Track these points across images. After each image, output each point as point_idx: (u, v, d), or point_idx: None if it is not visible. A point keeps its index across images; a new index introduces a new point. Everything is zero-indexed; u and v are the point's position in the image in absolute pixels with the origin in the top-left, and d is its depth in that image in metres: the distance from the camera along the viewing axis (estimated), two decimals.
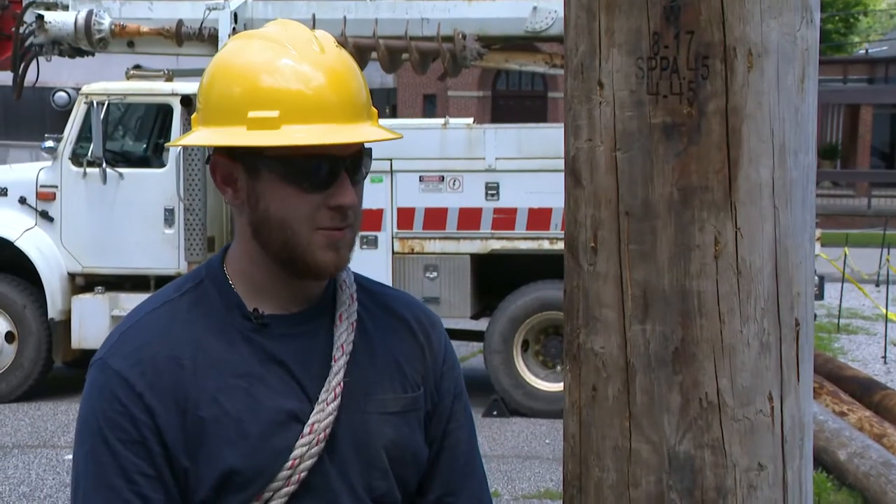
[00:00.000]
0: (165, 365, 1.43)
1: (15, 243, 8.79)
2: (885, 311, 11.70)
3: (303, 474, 1.44)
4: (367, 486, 1.49)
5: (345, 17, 8.62)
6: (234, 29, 8.64)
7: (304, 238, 1.43)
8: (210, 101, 1.45)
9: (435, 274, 8.55)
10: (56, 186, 8.82)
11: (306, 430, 1.44)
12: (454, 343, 2.11)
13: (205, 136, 1.45)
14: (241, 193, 1.46)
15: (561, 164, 1.33)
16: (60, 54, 9.18)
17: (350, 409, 1.48)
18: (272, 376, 1.46)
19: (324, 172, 1.42)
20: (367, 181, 1.52)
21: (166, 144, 7.74)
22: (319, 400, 1.46)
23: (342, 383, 1.47)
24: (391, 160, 8.38)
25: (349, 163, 1.44)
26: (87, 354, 8.86)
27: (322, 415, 1.45)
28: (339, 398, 1.46)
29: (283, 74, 1.41)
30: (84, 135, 8.76)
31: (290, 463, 1.43)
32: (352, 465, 1.48)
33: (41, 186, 8.86)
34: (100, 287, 8.79)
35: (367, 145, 1.48)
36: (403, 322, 1.59)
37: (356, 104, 1.44)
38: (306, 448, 1.44)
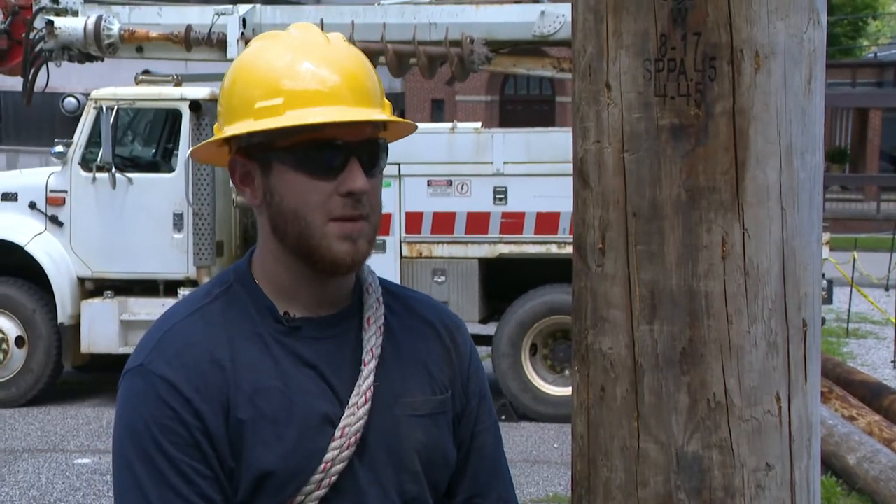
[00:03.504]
0: (209, 368, 1.43)
1: (25, 248, 8.83)
2: (892, 319, 11.65)
3: (334, 478, 1.44)
4: (399, 490, 1.50)
5: (353, 22, 8.64)
6: (242, 34, 8.67)
7: (317, 229, 1.43)
8: (230, 102, 1.47)
9: (443, 278, 8.55)
10: (66, 191, 8.86)
11: (338, 433, 1.44)
12: None
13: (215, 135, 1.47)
14: (258, 192, 1.47)
15: (569, 168, 1.33)
16: (70, 60, 9.21)
17: (380, 413, 1.48)
18: (305, 379, 1.46)
19: (333, 158, 1.42)
20: None
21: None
22: (350, 403, 1.46)
23: (372, 387, 1.47)
24: (399, 164, 8.38)
25: (361, 151, 1.44)
26: (97, 359, 8.91)
27: (353, 418, 1.45)
28: (370, 402, 1.47)
29: (301, 76, 1.42)
30: (93, 140, 8.79)
31: (322, 466, 1.43)
32: (383, 468, 1.48)
33: (51, 191, 8.90)
34: (109, 291, 8.81)
35: (382, 142, 1.49)
36: (429, 325, 1.60)
37: (367, 94, 1.45)
38: (338, 451, 1.44)
